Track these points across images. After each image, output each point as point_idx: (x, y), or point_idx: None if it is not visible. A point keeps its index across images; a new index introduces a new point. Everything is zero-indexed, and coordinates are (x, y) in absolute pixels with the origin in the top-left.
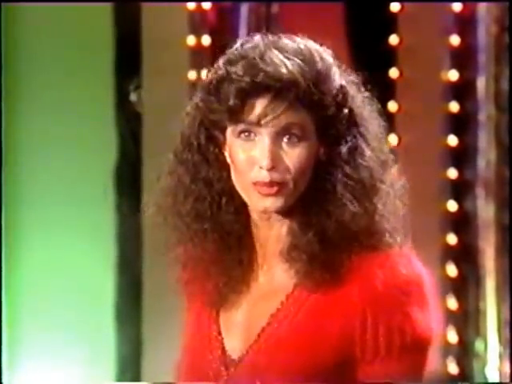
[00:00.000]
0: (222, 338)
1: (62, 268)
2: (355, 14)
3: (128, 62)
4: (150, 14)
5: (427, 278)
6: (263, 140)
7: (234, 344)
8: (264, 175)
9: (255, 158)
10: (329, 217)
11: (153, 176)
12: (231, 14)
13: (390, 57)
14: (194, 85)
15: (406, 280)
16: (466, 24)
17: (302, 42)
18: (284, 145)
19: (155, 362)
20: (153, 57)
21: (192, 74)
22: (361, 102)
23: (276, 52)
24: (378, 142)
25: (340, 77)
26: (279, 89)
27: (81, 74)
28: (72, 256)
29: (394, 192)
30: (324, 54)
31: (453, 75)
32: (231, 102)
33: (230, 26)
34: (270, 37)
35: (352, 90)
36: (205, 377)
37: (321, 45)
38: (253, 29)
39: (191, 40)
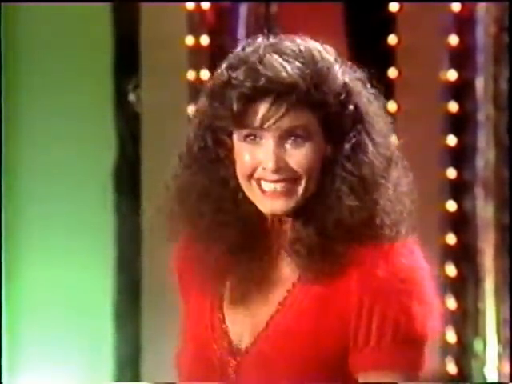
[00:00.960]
0: (227, 327)
1: (62, 268)
2: (354, 14)
3: (127, 61)
4: (148, 14)
5: (428, 273)
6: (268, 143)
7: (240, 333)
8: (269, 174)
9: (261, 160)
10: (328, 211)
11: (152, 176)
12: (230, 14)
13: (388, 57)
14: (192, 85)
15: (405, 272)
16: (464, 24)
17: (303, 44)
18: (289, 146)
19: (154, 361)
20: (151, 57)
21: (191, 74)
22: (367, 98)
23: (276, 56)
24: (383, 138)
25: (343, 74)
26: (280, 92)
27: (80, 74)
28: (71, 256)
29: (398, 188)
30: (325, 54)
31: (452, 75)
32: (234, 108)
33: (229, 26)
34: (272, 39)
35: (357, 87)
36: (210, 366)
37: (322, 44)
38: (251, 29)
39: (190, 40)
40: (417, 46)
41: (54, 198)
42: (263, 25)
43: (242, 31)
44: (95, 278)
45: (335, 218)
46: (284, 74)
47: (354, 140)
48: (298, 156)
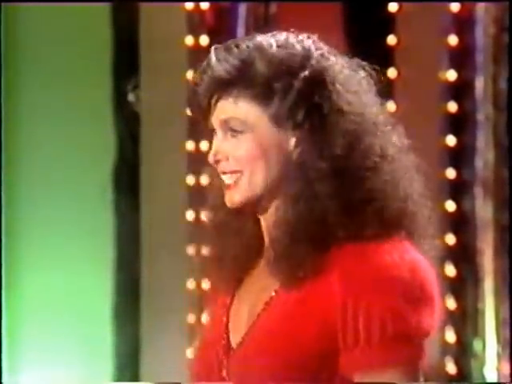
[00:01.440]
0: (228, 330)
1: (61, 267)
2: (353, 14)
3: (126, 62)
4: (148, 14)
5: (424, 271)
6: (218, 136)
7: (236, 333)
8: (215, 166)
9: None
10: (303, 211)
11: (151, 176)
12: (229, 14)
13: (387, 57)
14: (192, 85)
15: (389, 270)
16: (464, 24)
17: (256, 41)
18: (230, 138)
19: (154, 361)
20: (151, 57)
21: (190, 74)
22: (344, 95)
23: (214, 55)
24: (359, 137)
25: (302, 69)
26: (214, 88)
27: (79, 74)
28: (71, 256)
29: (389, 187)
30: (273, 50)
31: (451, 75)
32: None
33: (228, 26)
34: (243, 37)
35: (337, 85)
36: (210, 368)
37: (304, 38)
38: (251, 29)
39: (189, 40)
40: (416, 46)
41: (53, 198)
42: (262, 25)
43: (241, 31)
44: (94, 278)
45: (309, 218)
46: (213, 72)
47: (319, 136)
48: (234, 149)
